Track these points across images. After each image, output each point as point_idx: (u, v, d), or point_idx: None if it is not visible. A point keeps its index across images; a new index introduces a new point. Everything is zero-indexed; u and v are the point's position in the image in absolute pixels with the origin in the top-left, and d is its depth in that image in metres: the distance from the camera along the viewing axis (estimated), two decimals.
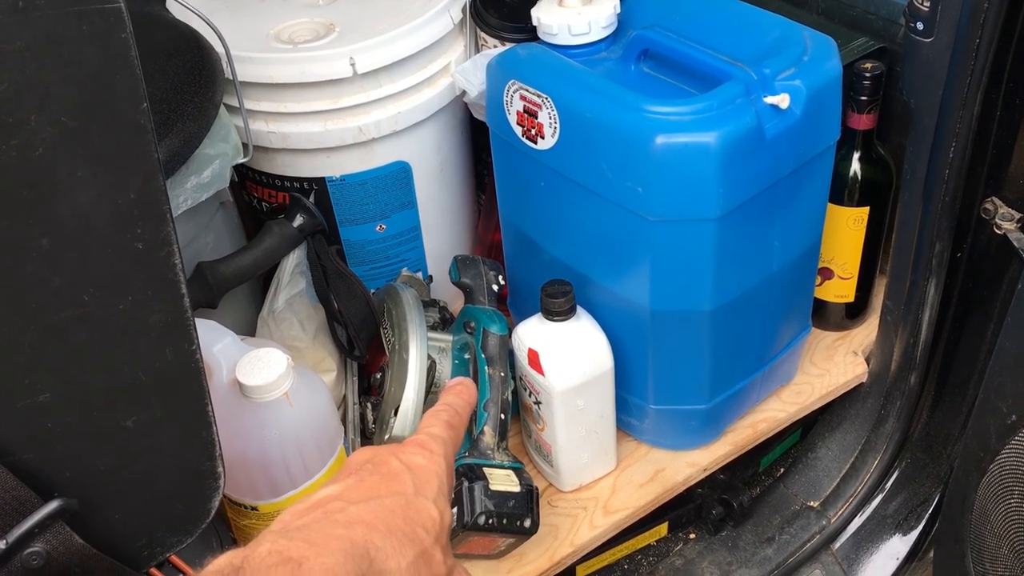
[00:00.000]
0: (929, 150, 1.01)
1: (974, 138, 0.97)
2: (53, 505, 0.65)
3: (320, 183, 1.22)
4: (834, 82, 1.00)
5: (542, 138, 1.04)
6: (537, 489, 1.05)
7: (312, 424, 0.93)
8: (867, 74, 1.12)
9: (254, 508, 0.95)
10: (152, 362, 0.68)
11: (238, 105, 1.11)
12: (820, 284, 1.30)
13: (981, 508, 0.94)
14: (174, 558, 0.91)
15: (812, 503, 1.32)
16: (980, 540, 0.95)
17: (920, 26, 0.94)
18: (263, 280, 1.22)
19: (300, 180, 1.22)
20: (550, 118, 1.02)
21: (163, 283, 0.66)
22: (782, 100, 0.95)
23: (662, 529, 1.31)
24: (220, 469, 0.75)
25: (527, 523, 1.03)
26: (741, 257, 1.03)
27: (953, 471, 1.00)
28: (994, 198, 1.02)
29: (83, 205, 0.60)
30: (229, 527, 1.01)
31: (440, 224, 1.35)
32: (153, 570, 0.80)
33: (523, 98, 1.04)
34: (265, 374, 0.88)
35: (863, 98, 1.14)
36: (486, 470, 1.04)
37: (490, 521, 1.01)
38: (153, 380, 0.68)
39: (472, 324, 1.14)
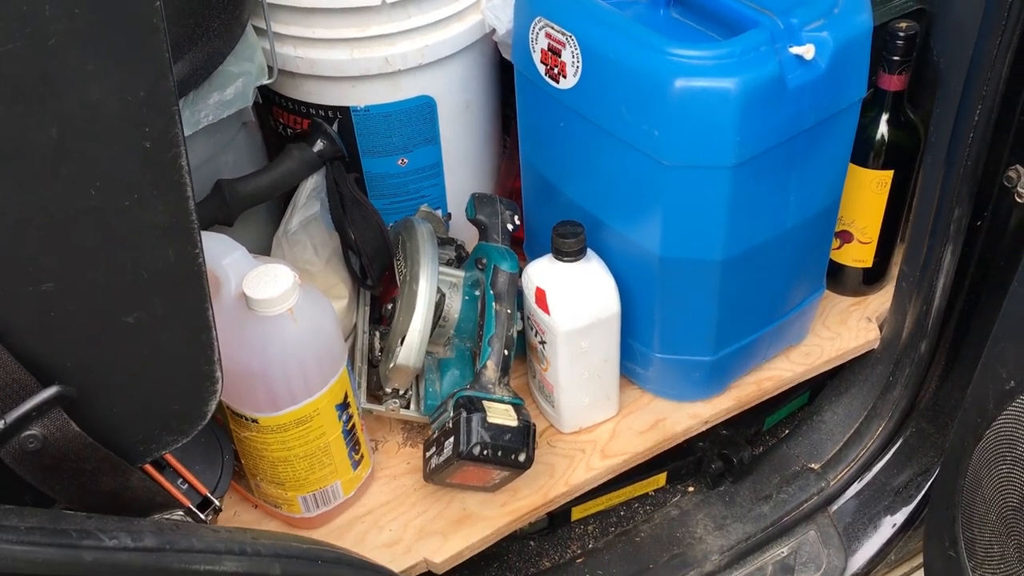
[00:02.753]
0: (955, 112, 0.99)
1: (1000, 102, 0.96)
2: (52, 391, 0.67)
3: (344, 112, 1.22)
4: (863, 37, 0.99)
5: (564, 77, 1.04)
6: (534, 425, 1.07)
7: (315, 342, 0.95)
8: (901, 33, 1.10)
9: (254, 420, 0.97)
10: (155, 261, 0.69)
11: (265, 27, 1.12)
12: (838, 247, 1.29)
13: (974, 474, 0.93)
14: (169, 456, 0.95)
15: (813, 465, 1.33)
16: (971, 506, 0.95)
17: None
18: (281, 203, 1.23)
19: (325, 108, 1.23)
20: (573, 57, 1.01)
21: (169, 183, 0.67)
22: (807, 51, 0.94)
23: (660, 479, 1.32)
24: (218, 373, 0.76)
25: (521, 457, 1.04)
26: (755, 209, 1.03)
27: (950, 437, 1.00)
28: (1018, 166, 1.00)
29: (93, 99, 0.61)
30: (231, 438, 1.03)
31: (463, 163, 1.35)
32: (148, 467, 0.83)
33: (548, 36, 1.04)
34: (271, 288, 0.90)
35: (895, 58, 1.12)
36: (486, 403, 1.05)
37: (485, 452, 1.02)
38: (155, 279, 0.70)
39: (483, 260, 1.15)
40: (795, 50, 0.94)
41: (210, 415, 0.78)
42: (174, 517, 0.85)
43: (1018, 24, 0.89)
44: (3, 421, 0.66)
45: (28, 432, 0.67)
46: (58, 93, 0.60)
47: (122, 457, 0.74)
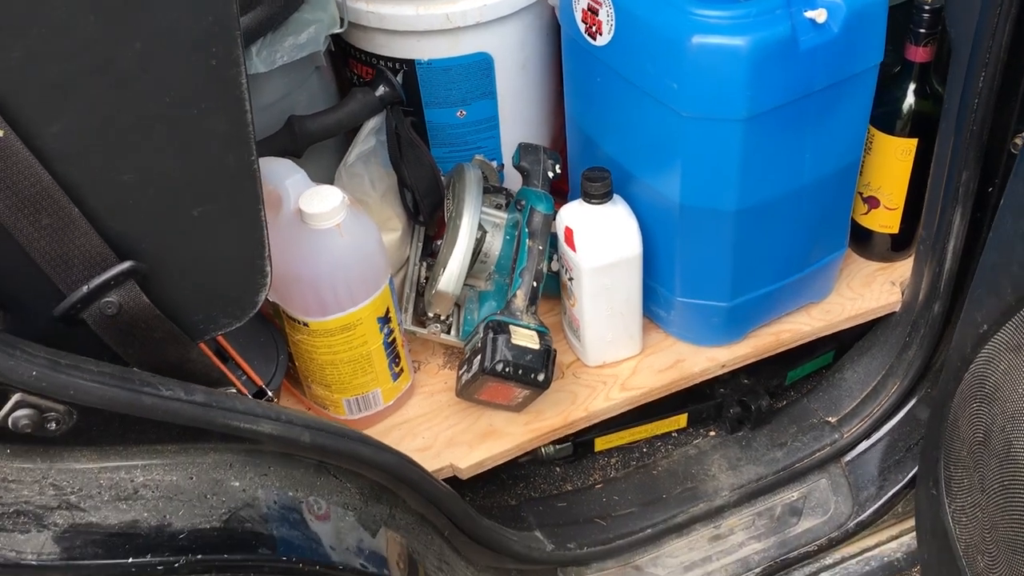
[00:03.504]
0: (963, 80, 1.05)
1: (1004, 70, 1.02)
2: (127, 264, 0.81)
3: (409, 64, 1.35)
4: (878, 5, 1.06)
5: (600, 35, 1.14)
6: (555, 350, 1.17)
7: (359, 257, 1.08)
8: (926, 7, 1.16)
9: (305, 324, 1.11)
10: (217, 164, 0.82)
11: None
12: (866, 212, 1.36)
13: (954, 416, 1.00)
14: (231, 350, 1.09)
15: (830, 418, 1.40)
16: (950, 445, 1.02)
17: None
18: (347, 143, 1.36)
19: (392, 60, 1.35)
20: (608, 15, 1.11)
21: (231, 98, 0.79)
22: (819, 15, 1.02)
23: (681, 420, 1.41)
24: (268, 268, 0.89)
25: (540, 377, 1.15)
26: (768, 163, 1.11)
27: (939, 384, 1.07)
28: (1023, 134, 1.05)
29: (170, 20, 0.74)
30: (287, 341, 1.17)
31: (519, 119, 1.46)
32: (202, 344, 0.96)
33: None
34: (322, 205, 1.03)
35: (921, 31, 1.18)
36: (512, 327, 1.17)
37: (507, 369, 1.14)
38: (216, 180, 0.83)
39: (522, 202, 1.26)
40: (808, 14, 1.02)
41: (260, 304, 0.90)
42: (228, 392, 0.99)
43: None
44: (87, 286, 0.80)
45: (107, 299, 0.81)
46: (142, 13, 0.73)
47: (185, 333, 0.88)
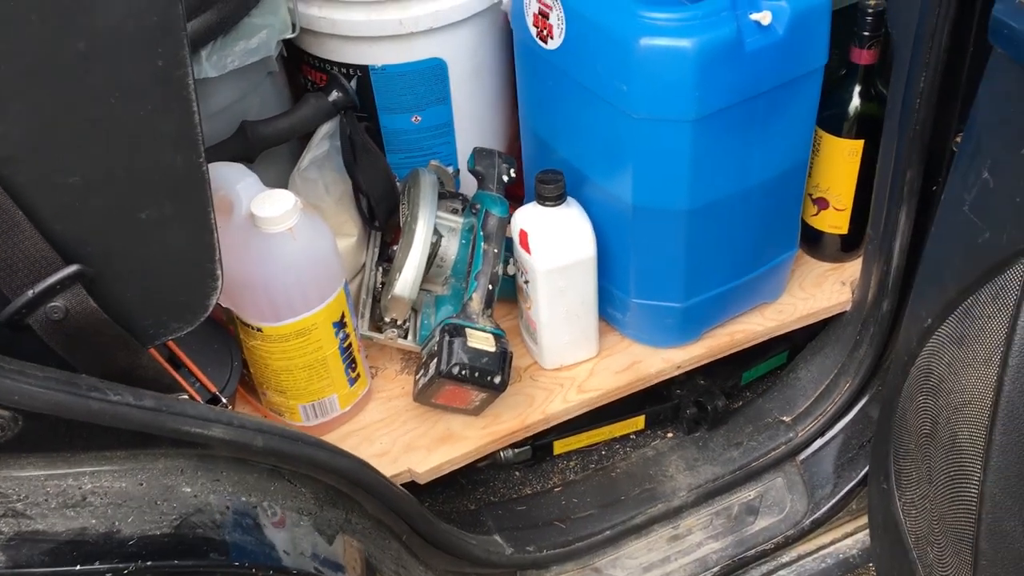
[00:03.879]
0: (905, 81, 1.08)
1: (944, 71, 1.04)
2: (73, 268, 0.80)
3: (364, 70, 1.35)
4: (821, 7, 1.08)
5: (551, 38, 1.15)
6: (511, 353, 1.18)
7: (312, 261, 1.08)
8: (870, 10, 1.19)
9: (259, 329, 1.10)
10: (165, 166, 0.81)
11: None
12: (816, 214, 1.38)
13: (902, 410, 1.02)
14: (183, 356, 1.08)
15: (784, 418, 1.41)
16: (899, 439, 1.04)
17: None
18: (301, 148, 1.36)
19: (346, 65, 1.35)
20: (558, 19, 1.12)
21: (178, 99, 0.79)
22: (764, 17, 1.03)
23: (639, 422, 1.42)
24: (219, 272, 0.88)
25: (497, 379, 1.16)
26: (718, 163, 1.13)
27: (887, 379, 1.08)
28: None
29: (114, 19, 0.74)
30: (241, 347, 1.16)
31: (473, 124, 1.46)
32: (164, 362, 0.95)
33: (539, 0, 1.15)
34: (274, 208, 1.03)
35: (865, 33, 1.21)
36: (468, 330, 1.17)
37: (463, 372, 1.14)
38: (165, 182, 0.82)
39: (477, 206, 1.27)
40: (754, 16, 1.04)
41: (211, 308, 0.90)
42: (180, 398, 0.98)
43: None
44: (32, 290, 0.79)
45: (53, 303, 0.80)
46: (86, 12, 0.73)
47: (134, 338, 0.87)
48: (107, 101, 0.77)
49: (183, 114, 0.80)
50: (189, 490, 0.86)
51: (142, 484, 0.83)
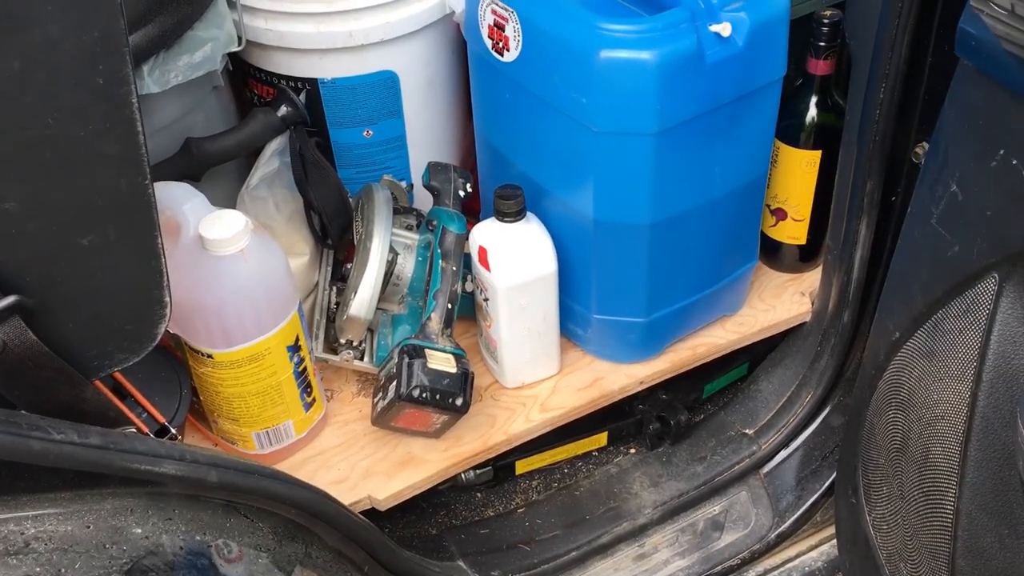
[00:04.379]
0: (864, 92, 1.07)
1: (903, 82, 1.04)
2: (11, 299, 0.75)
3: (313, 84, 1.31)
4: (779, 19, 1.07)
5: (508, 50, 1.12)
6: (472, 374, 1.15)
7: (265, 283, 1.03)
8: (825, 20, 1.18)
9: (210, 356, 1.05)
10: (107, 189, 0.77)
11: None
12: (774, 225, 1.37)
13: (870, 423, 1.01)
14: (129, 386, 1.03)
15: (747, 431, 1.40)
16: (868, 453, 1.03)
17: None
18: (249, 165, 1.32)
19: (294, 79, 1.31)
20: (515, 31, 1.10)
21: (121, 118, 0.75)
22: (724, 28, 1.02)
23: (602, 439, 1.40)
24: (167, 299, 0.84)
25: (458, 401, 1.12)
26: (680, 176, 1.11)
27: (854, 392, 1.08)
28: (925, 143, 1.08)
29: (52, 36, 0.69)
30: (190, 375, 1.12)
31: (426, 137, 1.43)
32: (97, 382, 0.90)
33: (494, 12, 1.12)
34: (224, 230, 0.98)
35: (821, 44, 1.20)
36: (428, 351, 1.14)
37: (424, 395, 1.11)
38: (108, 206, 0.78)
39: (434, 222, 1.24)
40: (714, 28, 1.02)
41: (159, 336, 0.85)
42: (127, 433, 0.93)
43: (914, 7, 0.97)
44: None
45: None
46: (20, 29, 0.68)
47: (77, 370, 0.83)
48: (44, 122, 0.72)
49: (126, 134, 0.76)
50: (140, 531, 0.81)
51: (89, 527, 0.78)
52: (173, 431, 1.05)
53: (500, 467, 1.35)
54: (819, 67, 1.22)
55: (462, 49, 1.43)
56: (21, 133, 0.72)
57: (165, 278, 0.83)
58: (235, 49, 1.18)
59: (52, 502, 0.78)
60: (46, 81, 0.71)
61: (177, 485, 0.84)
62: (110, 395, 0.91)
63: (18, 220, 0.75)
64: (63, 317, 0.80)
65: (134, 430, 0.93)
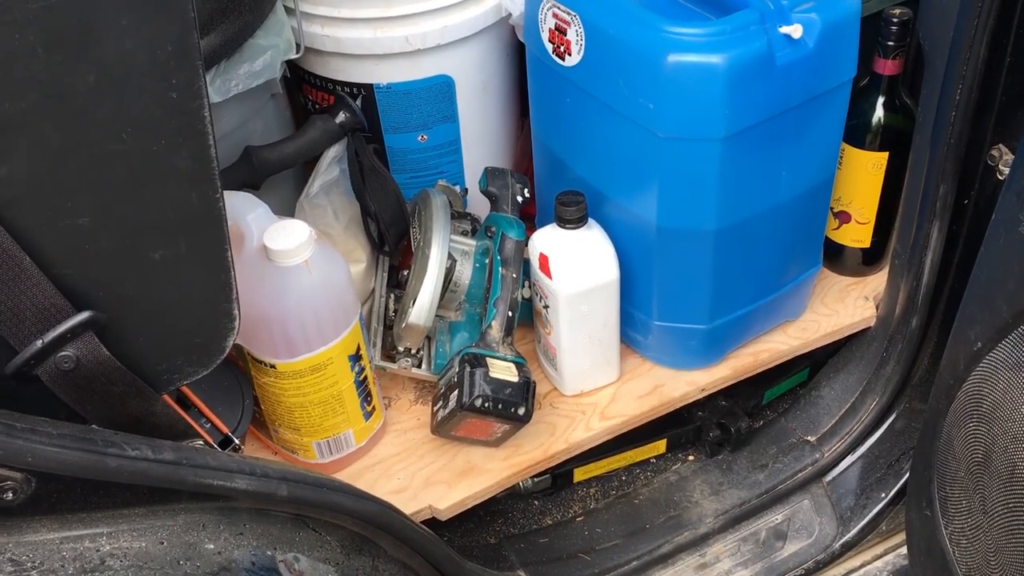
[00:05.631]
0: (938, 93, 1.04)
1: (981, 83, 1.01)
2: (84, 315, 0.75)
3: (368, 89, 1.30)
4: (851, 19, 1.04)
5: (569, 55, 1.10)
6: (534, 383, 1.13)
7: (328, 293, 1.03)
8: (894, 19, 1.15)
9: (272, 366, 1.05)
10: (179, 203, 0.76)
11: (294, 6, 1.20)
12: (837, 227, 1.34)
13: (947, 434, 0.98)
14: (193, 397, 1.03)
15: (809, 438, 1.37)
16: (944, 465, 1.00)
17: None
18: (307, 171, 1.31)
19: (350, 85, 1.30)
20: (577, 35, 1.08)
21: (193, 132, 0.74)
22: (795, 30, 0.99)
23: (660, 446, 1.38)
24: (236, 311, 0.83)
25: (521, 411, 1.11)
26: (746, 181, 1.09)
27: (929, 402, 1.05)
28: (1001, 145, 1.05)
29: (126, 51, 0.69)
30: (252, 384, 1.11)
31: (480, 141, 1.42)
32: (173, 404, 0.90)
33: (555, 16, 1.10)
34: (288, 241, 0.98)
35: (889, 43, 1.17)
36: (489, 360, 1.12)
37: (486, 404, 1.09)
38: (179, 220, 0.77)
39: (492, 229, 1.22)
40: (784, 29, 1.00)
41: (228, 349, 0.85)
42: (195, 445, 0.93)
43: (994, 7, 0.94)
44: (41, 340, 0.74)
45: (63, 352, 0.75)
46: (95, 44, 0.68)
47: (147, 384, 0.82)
48: (118, 136, 0.72)
49: (199, 147, 0.75)
50: (212, 546, 0.80)
51: (163, 543, 0.78)
52: (237, 441, 1.05)
53: (559, 475, 1.33)
54: (887, 67, 1.19)
55: (517, 52, 1.42)
56: (95, 148, 0.71)
57: (234, 291, 0.82)
58: (294, 56, 1.18)
59: (126, 518, 0.78)
60: (120, 96, 0.70)
61: (248, 500, 0.83)
62: (178, 408, 0.90)
63: (91, 235, 0.74)
64: (134, 332, 0.80)
65: (201, 443, 0.93)
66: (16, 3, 0.64)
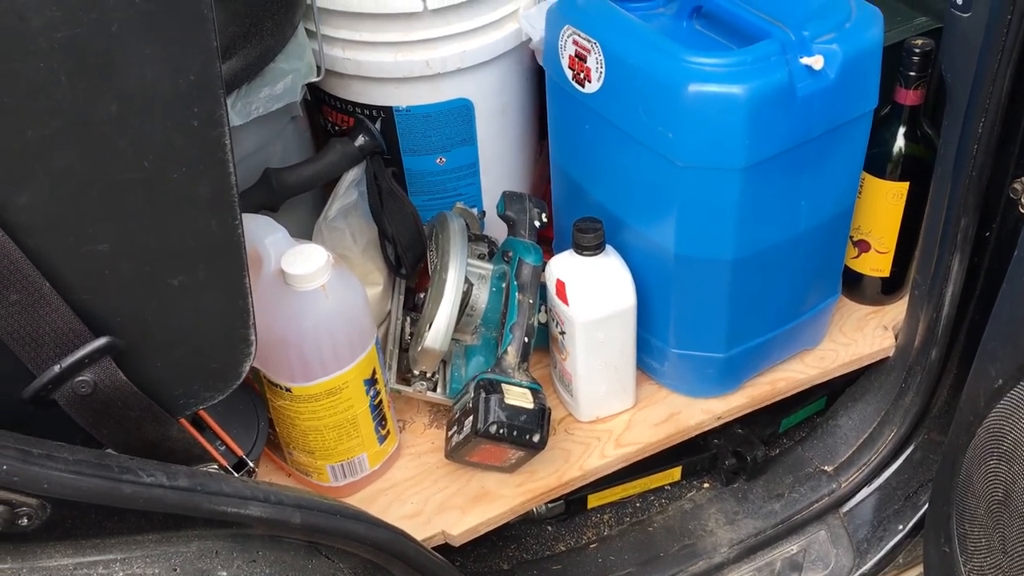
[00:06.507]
0: (961, 126, 1.04)
1: (1004, 116, 1.00)
2: (103, 340, 0.75)
3: (387, 112, 1.30)
4: (873, 50, 1.04)
5: (589, 82, 1.10)
6: (549, 409, 1.13)
7: (345, 318, 1.02)
8: (916, 50, 1.15)
9: (288, 389, 1.05)
10: (199, 230, 0.77)
11: (315, 29, 1.20)
12: (857, 256, 1.33)
13: (967, 471, 0.97)
14: (208, 419, 1.03)
15: (826, 468, 1.36)
16: (963, 502, 0.99)
17: (960, 1, 0.97)
18: (325, 194, 1.31)
19: (369, 107, 1.31)
20: (597, 62, 1.08)
21: (214, 160, 0.74)
22: (816, 61, 0.99)
23: (675, 473, 1.37)
24: (253, 337, 0.83)
25: (536, 438, 1.10)
26: (766, 211, 1.08)
27: (948, 437, 1.04)
28: (1022, 178, 1.04)
29: (148, 79, 0.69)
30: (267, 407, 1.11)
31: (498, 164, 1.42)
32: (188, 425, 0.90)
33: (575, 43, 1.10)
34: (306, 265, 0.98)
35: (911, 73, 1.17)
36: (504, 386, 1.12)
37: (501, 431, 1.09)
38: (198, 246, 0.77)
39: (510, 253, 1.22)
40: (805, 60, 0.99)
41: (245, 374, 0.85)
42: (210, 470, 0.93)
43: (1017, 40, 0.94)
44: (59, 365, 0.74)
45: (80, 377, 0.75)
46: (118, 73, 0.68)
47: (163, 408, 0.82)
48: (139, 164, 0.72)
49: (219, 175, 0.75)
50: (225, 574, 0.80)
51: (176, 570, 0.78)
52: (251, 465, 1.05)
53: (572, 500, 1.32)
54: (908, 97, 1.19)
55: (535, 76, 1.42)
56: (116, 175, 0.72)
57: (251, 317, 0.82)
58: (315, 80, 1.18)
59: (139, 544, 0.77)
60: (142, 124, 0.70)
61: (262, 527, 0.83)
62: (194, 432, 0.90)
63: (110, 261, 0.75)
64: (151, 357, 0.80)
65: (216, 467, 0.93)
66: (41, 32, 0.64)
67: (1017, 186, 1.04)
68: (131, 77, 0.69)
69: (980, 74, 0.98)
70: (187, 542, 0.80)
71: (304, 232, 1.29)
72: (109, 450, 0.82)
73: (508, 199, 1.27)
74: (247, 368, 0.84)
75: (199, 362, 0.83)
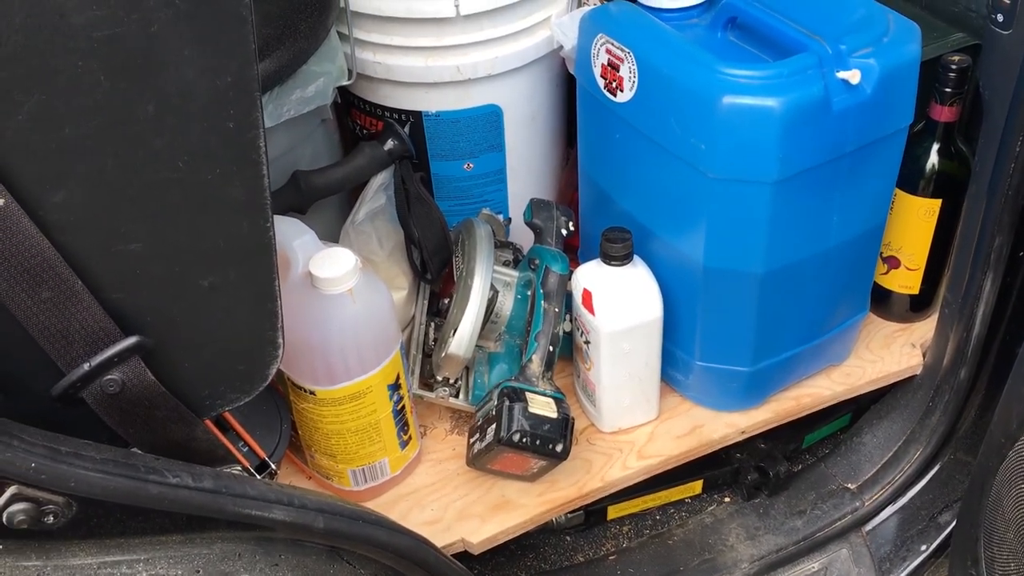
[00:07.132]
0: (998, 143, 1.02)
1: None
2: (132, 340, 0.75)
3: (417, 116, 1.30)
4: (910, 66, 1.03)
5: (621, 91, 1.10)
6: (573, 419, 1.12)
7: (371, 322, 1.02)
8: (953, 66, 1.14)
9: (312, 392, 1.05)
10: (231, 231, 0.77)
11: (348, 33, 1.20)
12: (886, 272, 1.32)
13: (996, 494, 0.96)
14: (232, 420, 1.03)
15: (849, 485, 1.35)
16: (992, 525, 0.97)
17: (1000, 18, 0.96)
18: (352, 197, 1.31)
19: (399, 111, 1.31)
20: (630, 72, 1.07)
21: (248, 162, 0.74)
22: (852, 76, 0.98)
23: (696, 487, 1.36)
24: (280, 340, 0.83)
25: (559, 448, 1.10)
26: (797, 225, 1.07)
27: (978, 458, 1.02)
28: None
29: (186, 80, 0.69)
30: (290, 409, 1.11)
31: (526, 171, 1.42)
32: (212, 426, 0.90)
33: (608, 51, 1.10)
34: (334, 269, 0.98)
35: (947, 90, 1.15)
36: (528, 394, 1.11)
37: (524, 440, 1.08)
38: (230, 249, 0.77)
39: (536, 261, 1.22)
40: (841, 75, 0.98)
41: (271, 377, 0.85)
42: (233, 471, 0.93)
43: None
44: (88, 364, 0.74)
45: (109, 376, 0.75)
46: (157, 73, 0.68)
47: (190, 409, 0.82)
48: (174, 165, 0.72)
49: (253, 177, 0.75)
50: None
51: (199, 572, 0.78)
52: (273, 467, 1.05)
53: (592, 511, 1.32)
54: (943, 113, 1.18)
55: (565, 83, 1.42)
56: (151, 175, 0.72)
57: (280, 320, 0.82)
58: (346, 83, 1.18)
59: (163, 545, 0.77)
60: (179, 124, 0.71)
61: (285, 530, 0.83)
62: (218, 433, 0.90)
63: (142, 261, 0.75)
64: (179, 357, 0.80)
65: (239, 468, 0.93)
66: (81, 30, 0.64)
67: None
68: (170, 77, 0.69)
69: (1019, 92, 0.97)
70: (210, 544, 0.80)
71: (331, 235, 1.29)
72: (135, 449, 0.82)
73: (535, 207, 1.27)
74: (274, 371, 0.84)
75: (226, 364, 0.83)
